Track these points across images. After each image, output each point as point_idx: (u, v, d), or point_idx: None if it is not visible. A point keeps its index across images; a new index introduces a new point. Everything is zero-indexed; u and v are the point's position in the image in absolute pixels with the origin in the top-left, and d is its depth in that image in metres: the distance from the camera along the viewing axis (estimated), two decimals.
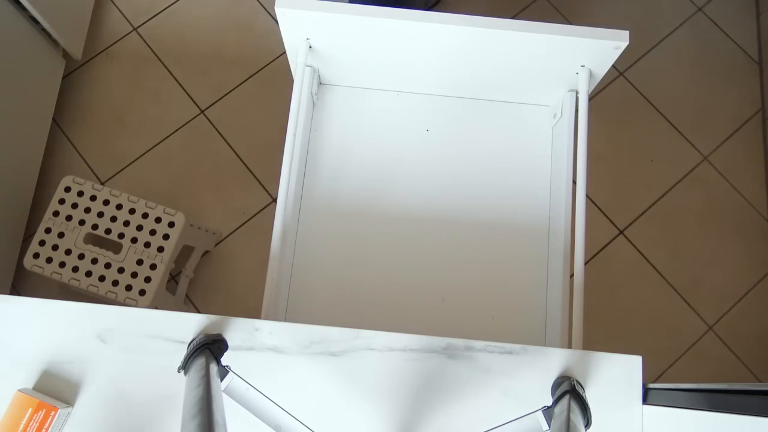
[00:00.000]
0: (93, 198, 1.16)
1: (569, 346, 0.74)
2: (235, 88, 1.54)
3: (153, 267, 1.13)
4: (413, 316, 0.87)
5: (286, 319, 0.86)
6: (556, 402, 0.55)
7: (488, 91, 0.93)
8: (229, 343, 0.61)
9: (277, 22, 0.75)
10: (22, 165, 1.37)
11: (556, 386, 0.61)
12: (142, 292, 1.12)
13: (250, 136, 1.51)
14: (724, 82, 1.60)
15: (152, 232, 1.15)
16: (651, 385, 0.62)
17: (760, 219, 1.50)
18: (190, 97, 1.53)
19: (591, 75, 0.80)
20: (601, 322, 1.42)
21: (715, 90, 1.59)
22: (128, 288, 1.12)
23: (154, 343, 0.62)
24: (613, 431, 0.60)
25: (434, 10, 0.74)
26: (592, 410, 0.55)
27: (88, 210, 1.15)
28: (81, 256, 1.13)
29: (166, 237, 1.15)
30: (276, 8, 0.73)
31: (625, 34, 0.73)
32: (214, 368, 0.53)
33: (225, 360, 0.57)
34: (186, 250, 1.34)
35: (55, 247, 1.13)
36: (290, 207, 0.81)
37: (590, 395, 0.61)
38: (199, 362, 0.54)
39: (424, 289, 0.88)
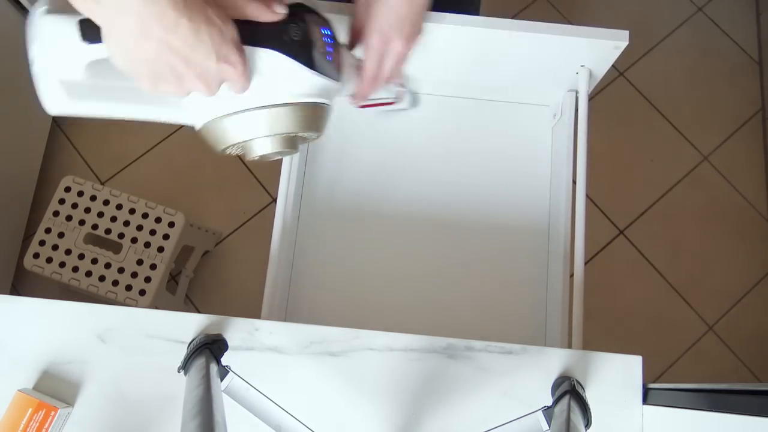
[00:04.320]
0: (93, 198, 1.16)
1: (569, 346, 0.74)
2: None
3: (153, 267, 1.13)
4: (413, 316, 0.87)
5: (286, 319, 0.86)
6: (556, 402, 0.55)
7: (488, 91, 0.93)
8: (229, 343, 0.61)
9: None
10: (22, 165, 1.37)
11: (556, 386, 0.61)
12: (142, 292, 1.12)
13: None
14: (724, 82, 1.60)
15: (152, 232, 1.15)
16: (651, 385, 0.62)
17: (760, 219, 1.50)
18: None
19: (591, 75, 0.80)
20: (601, 322, 1.42)
21: (715, 90, 1.59)
22: (128, 288, 1.12)
23: (154, 343, 0.62)
24: (614, 431, 0.60)
25: (434, 10, 0.74)
26: (592, 410, 0.55)
27: (88, 210, 1.15)
28: (81, 256, 1.13)
29: (166, 237, 1.15)
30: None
31: (625, 34, 0.73)
32: (214, 368, 0.53)
33: (225, 360, 0.57)
34: (186, 250, 1.34)
35: (55, 247, 1.13)
36: (290, 207, 0.80)
37: (590, 395, 0.61)
38: (199, 362, 0.54)
39: (425, 288, 0.88)
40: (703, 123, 1.56)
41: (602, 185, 1.51)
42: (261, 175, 1.49)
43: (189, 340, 0.61)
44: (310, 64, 0.46)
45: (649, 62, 1.60)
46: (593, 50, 0.76)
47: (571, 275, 0.75)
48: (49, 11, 0.38)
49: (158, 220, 1.16)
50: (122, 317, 0.62)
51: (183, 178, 1.48)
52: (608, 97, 1.57)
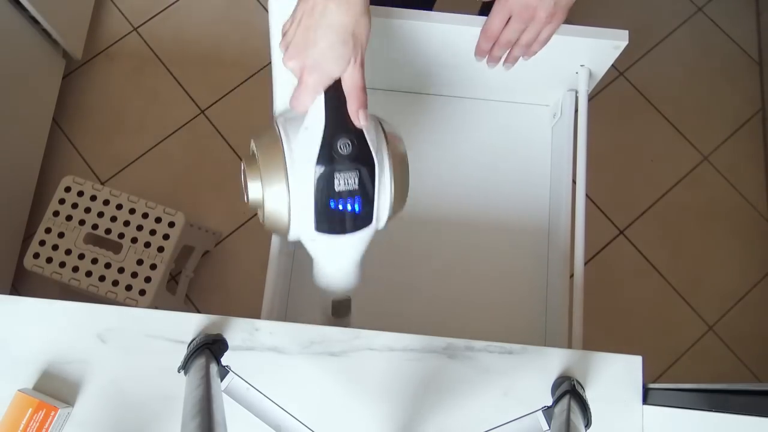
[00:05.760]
0: (93, 198, 1.16)
1: (569, 346, 0.74)
2: (235, 88, 1.54)
3: (153, 267, 1.13)
4: (413, 316, 0.87)
5: (286, 319, 0.86)
6: (556, 402, 0.55)
7: (487, 90, 0.93)
8: (229, 343, 0.61)
9: None
10: (22, 165, 1.37)
11: (556, 386, 0.61)
12: (142, 292, 1.12)
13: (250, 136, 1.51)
14: (724, 82, 1.60)
15: (152, 232, 1.15)
16: (651, 385, 0.62)
17: (760, 219, 1.50)
18: (190, 97, 1.53)
19: (591, 74, 0.80)
20: (601, 322, 1.42)
21: (715, 90, 1.59)
22: (128, 288, 1.12)
23: (154, 343, 0.62)
24: (614, 431, 0.60)
25: (433, 10, 0.74)
26: (592, 410, 0.55)
27: (88, 210, 1.15)
28: (81, 256, 1.13)
29: (166, 237, 1.15)
30: (269, 3, 0.72)
31: (625, 33, 0.73)
32: (214, 368, 0.53)
33: (225, 360, 0.57)
34: (186, 250, 1.34)
35: (55, 247, 1.13)
36: None
37: (590, 395, 0.61)
38: (199, 362, 0.54)
39: (424, 288, 0.88)
40: (703, 123, 1.56)
41: (602, 185, 1.51)
42: None
43: (189, 340, 0.61)
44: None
45: (649, 62, 1.60)
46: (593, 50, 0.76)
47: (571, 275, 0.75)
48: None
49: (158, 220, 1.16)
50: (122, 317, 0.62)
51: (183, 178, 1.48)
52: (608, 97, 1.57)
